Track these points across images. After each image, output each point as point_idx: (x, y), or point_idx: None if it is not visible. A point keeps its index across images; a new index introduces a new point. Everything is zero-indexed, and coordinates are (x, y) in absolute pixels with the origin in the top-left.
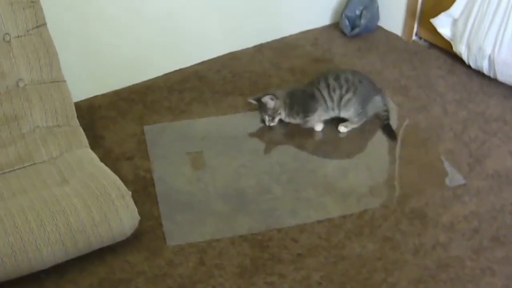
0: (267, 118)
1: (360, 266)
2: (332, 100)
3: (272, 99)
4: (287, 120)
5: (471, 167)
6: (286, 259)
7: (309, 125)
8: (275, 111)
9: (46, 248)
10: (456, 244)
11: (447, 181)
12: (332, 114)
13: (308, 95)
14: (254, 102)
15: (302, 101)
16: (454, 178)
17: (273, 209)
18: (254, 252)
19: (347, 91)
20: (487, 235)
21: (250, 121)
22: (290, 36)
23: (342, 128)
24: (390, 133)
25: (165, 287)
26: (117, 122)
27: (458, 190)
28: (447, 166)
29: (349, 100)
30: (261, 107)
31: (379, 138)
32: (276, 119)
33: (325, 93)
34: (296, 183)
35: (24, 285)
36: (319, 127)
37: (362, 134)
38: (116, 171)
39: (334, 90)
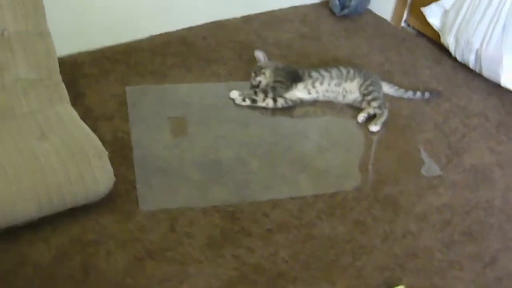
0: (252, 74)
1: (328, 247)
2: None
3: (264, 57)
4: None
5: (448, 159)
6: (256, 234)
7: (281, 99)
8: (259, 69)
9: (21, 203)
10: (426, 234)
11: (423, 170)
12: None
13: (295, 72)
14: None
15: (288, 74)
16: (431, 168)
17: (248, 182)
18: (224, 224)
19: (355, 74)
20: (458, 229)
21: (232, 91)
22: (280, 10)
23: (373, 127)
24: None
25: (134, 252)
26: (99, 81)
27: (433, 181)
28: (424, 156)
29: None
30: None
31: (359, 122)
32: (258, 79)
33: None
34: (273, 158)
35: None
36: (234, 94)
37: (343, 115)
38: (95, 130)
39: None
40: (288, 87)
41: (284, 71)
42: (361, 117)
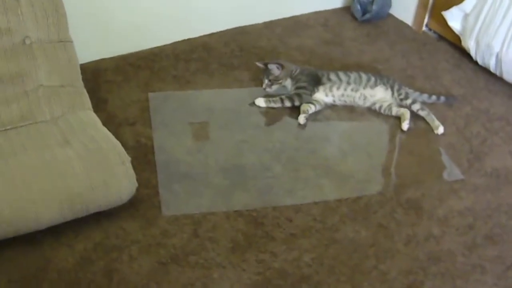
0: (266, 81)
1: (352, 251)
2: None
3: (278, 68)
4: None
5: (470, 163)
6: (279, 238)
7: (304, 103)
8: (276, 79)
9: (44, 208)
10: (449, 238)
11: (445, 174)
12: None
13: (315, 74)
14: (261, 66)
15: (308, 77)
16: (453, 172)
17: (271, 186)
18: (248, 228)
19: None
20: (481, 232)
21: (255, 96)
22: (301, 15)
23: (440, 129)
24: None
25: (158, 257)
26: (122, 87)
27: (455, 184)
28: (446, 159)
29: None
30: (266, 71)
31: (381, 126)
32: (274, 87)
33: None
34: (295, 162)
35: (21, 244)
36: (302, 119)
37: (364, 120)
38: (117, 136)
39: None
40: (312, 92)
41: (304, 75)
42: (406, 125)
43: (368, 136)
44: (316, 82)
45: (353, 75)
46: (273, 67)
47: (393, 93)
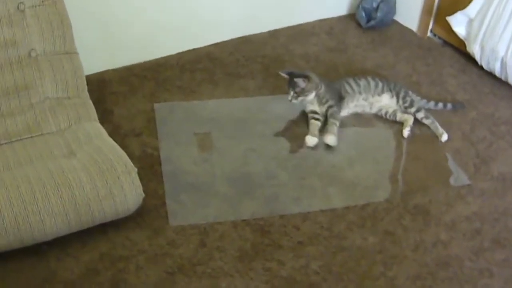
0: (292, 93)
1: (359, 258)
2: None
3: (304, 81)
4: (311, 106)
5: (476, 168)
6: (286, 246)
7: (332, 116)
8: (302, 92)
9: (49, 219)
10: (456, 243)
11: (452, 180)
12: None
13: (338, 91)
14: (285, 75)
15: (333, 95)
16: (459, 178)
17: (278, 195)
18: (255, 237)
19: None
20: (488, 236)
21: (260, 106)
22: (306, 23)
23: (444, 136)
24: None
25: (165, 267)
26: (127, 98)
27: (462, 190)
28: (453, 165)
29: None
30: (291, 82)
31: (387, 132)
32: (300, 99)
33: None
34: (302, 170)
35: (26, 256)
36: (311, 142)
37: (370, 126)
38: (123, 147)
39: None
40: (339, 108)
41: (329, 93)
42: (406, 132)
43: (375, 142)
44: (340, 98)
45: (363, 83)
46: (299, 80)
47: (398, 100)
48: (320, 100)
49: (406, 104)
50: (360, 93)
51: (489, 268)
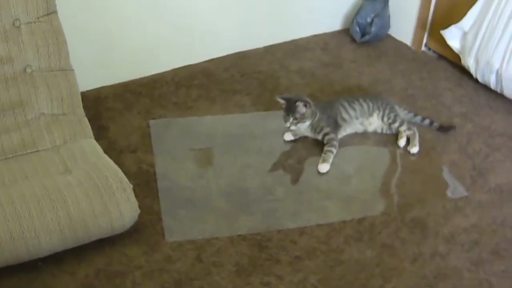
0: (291, 119)
1: (357, 271)
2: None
3: (305, 105)
4: (306, 132)
5: (473, 180)
6: (284, 261)
7: (329, 143)
8: (302, 118)
9: (44, 236)
10: (455, 255)
11: (449, 192)
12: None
13: (335, 119)
14: (282, 101)
15: (329, 122)
16: (456, 190)
17: (274, 210)
18: (252, 252)
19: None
20: (486, 248)
21: (256, 121)
22: (301, 39)
23: (414, 149)
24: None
25: (162, 282)
26: (122, 115)
27: (459, 202)
28: (449, 177)
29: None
30: (289, 108)
31: (384, 146)
32: (299, 125)
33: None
34: (299, 185)
35: (21, 272)
36: (288, 136)
37: (366, 140)
38: (119, 163)
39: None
40: (336, 134)
41: (324, 120)
42: (402, 142)
43: (371, 156)
44: (336, 125)
45: (358, 108)
46: (300, 105)
47: (383, 118)
48: (314, 129)
49: (390, 121)
50: (356, 118)
51: (488, 279)
